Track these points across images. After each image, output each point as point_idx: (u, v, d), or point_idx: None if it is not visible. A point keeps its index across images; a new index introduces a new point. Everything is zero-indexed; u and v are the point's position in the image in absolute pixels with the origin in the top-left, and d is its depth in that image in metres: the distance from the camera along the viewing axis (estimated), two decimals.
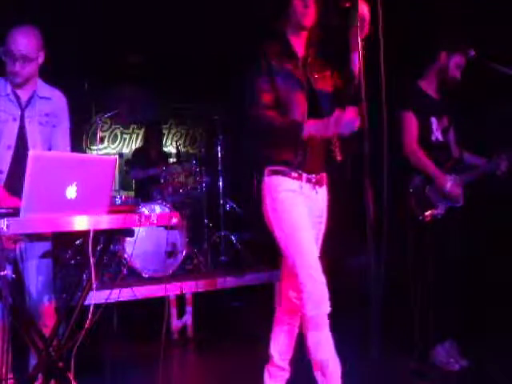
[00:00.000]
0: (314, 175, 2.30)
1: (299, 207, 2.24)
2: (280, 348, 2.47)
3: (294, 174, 2.25)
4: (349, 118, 2.06)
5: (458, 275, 3.07)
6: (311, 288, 2.14)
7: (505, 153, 3.06)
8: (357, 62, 2.06)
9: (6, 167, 2.45)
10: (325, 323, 2.17)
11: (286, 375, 2.49)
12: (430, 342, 3.16)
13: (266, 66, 2.23)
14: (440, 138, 3.10)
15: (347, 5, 2.08)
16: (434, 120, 3.07)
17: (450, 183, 2.96)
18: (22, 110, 2.50)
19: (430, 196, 3.00)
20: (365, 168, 1.92)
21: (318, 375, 2.21)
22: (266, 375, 2.50)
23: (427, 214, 3.00)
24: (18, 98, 2.49)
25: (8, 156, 2.45)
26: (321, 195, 2.36)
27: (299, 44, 2.32)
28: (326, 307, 2.16)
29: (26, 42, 2.40)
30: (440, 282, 3.04)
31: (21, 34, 2.41)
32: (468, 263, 3.21)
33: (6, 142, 2.45)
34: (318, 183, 2.33)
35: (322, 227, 2.40)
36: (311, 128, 2.15)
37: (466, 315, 3.19)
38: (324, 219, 2.40)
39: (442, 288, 3.05)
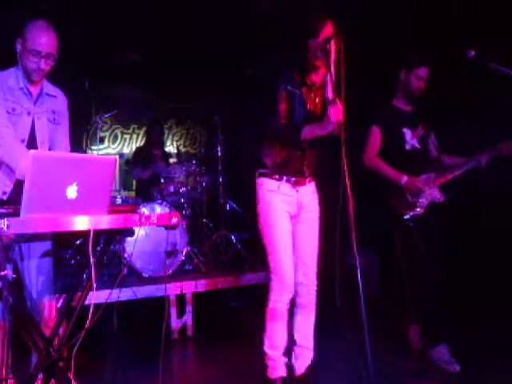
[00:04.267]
0: (293, 178, 2.69)
1: (277, 205, 2.66)
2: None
3: (275, 176, 2.68)
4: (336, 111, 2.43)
5: (437, 274, 3.22)
6: (276, 279, 2.62)
7: (486, 149, 3.27)
8: (330, 91, 2.55)
9: None
10: (282, 314, 2.64)
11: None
12: (429, 342, 3.19)
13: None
14: (417, 145, 3.39)
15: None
16: (406, 131, 3.38)
17: (405, 178, 3.25)
18: (34, 105, 2.50)
19: (407, 196, 3.27)
20: (343, 173, 2.24)
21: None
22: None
23: (410, 213, 3.25)
24: (30, 92, 2.49)
25: None
26: (303, 193, 2.72)
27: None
28: (286, 299, 2.62)
29: (51, 40, 2.41)
30: (426, 281, 3.18)
31: (45, 30, 2.40)
32: (449, 262, 3.45)
33: (20, 136, 2.43)
34: (299, 183, 2.70)
35: (312, 217, 2.77)
36: (308, 130, 2.57)
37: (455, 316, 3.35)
38: (313, 211, 2.77)
39: (428, 288, 3.18)
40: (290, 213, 2.70)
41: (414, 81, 3.34)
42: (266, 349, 2.71)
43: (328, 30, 2.52)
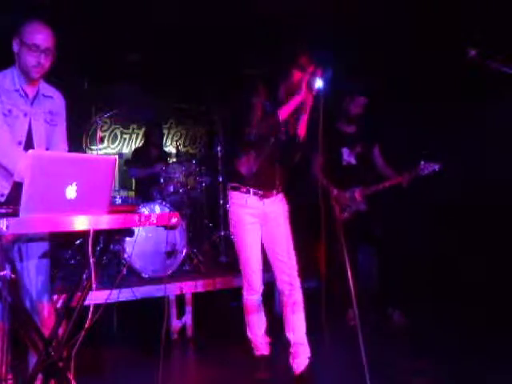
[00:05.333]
0: (261, 191, 2.90)
1: (245, 220, 2.91)
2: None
3: (243, 189, 2.90)
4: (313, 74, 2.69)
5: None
6: (246, 282, 3.01)
7: (409, 169, 3.91)
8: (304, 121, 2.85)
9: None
10: (255, 308, 3.02)
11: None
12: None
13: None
14: (353, 161, 4.13)
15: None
16: (344, 150, 4.11)
17: (336, 191, 4.00)
18: (30, 107, 2.49)
19: (340, 203, 4.02)
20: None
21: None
22: None
23: (342, 216, 4.00)
24: (26, 94, 2.47)
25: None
26: (268, 203, 2.93)
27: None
28: (256, 297, 3.00)
29: (49, 35, 2.41)
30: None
31: (43, 26, 2.41)
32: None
33: (17, 138, 2.42)
34: (265, 196, 2.91)
35: (277, 216, 2.97)
36: (284, 108, 2.76)
37: None
38: (278, 212, 2.97)
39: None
40: (257, 221, 2.94)
41: (353, 108, 4.06)
42: (248, 334, 3.09)
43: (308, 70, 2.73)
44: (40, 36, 2.38)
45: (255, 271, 2.96)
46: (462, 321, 4.00)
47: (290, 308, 2.94)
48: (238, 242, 2.98)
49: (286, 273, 2.94)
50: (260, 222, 2.96)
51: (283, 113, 2.75)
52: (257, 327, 3.07)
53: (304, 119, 2.84)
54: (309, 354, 2.90)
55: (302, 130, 2.86)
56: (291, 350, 2.92)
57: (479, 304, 4.31)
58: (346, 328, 3.83)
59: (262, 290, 3.03)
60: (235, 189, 2.95)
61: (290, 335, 2.93)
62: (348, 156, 4.12)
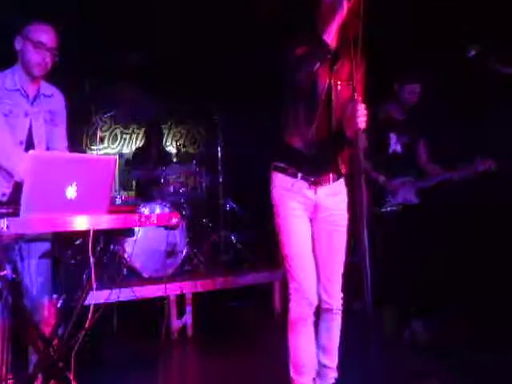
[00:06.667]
0: (312, 176, 2.31)
1: (289, 204, 2.31)
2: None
3: (290, 171, 2.31)
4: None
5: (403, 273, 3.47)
6: (294, 288, 2.31)
7: (465, 164, 3.62)
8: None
9: None
10: (305, 327, 2.31)
11: None
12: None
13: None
14: (399, 150, 3.75)
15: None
16: (392, 136, 3.74)
17: (382, 178, 3.63)
18: (31, 106, 2.49)
19: (383, 193, 3.66)
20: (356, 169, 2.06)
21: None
22: None
23: (386, 209, 3.63)
24: (27, 93, 2.48)
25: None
26: (323, 195, 2.32)
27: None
28: (308, 310, 2.29)
29: (55, 36, 2.44)
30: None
31: (48, 27, 2.45)
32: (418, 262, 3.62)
33: (18, 137, 2.43)
34: (318, 183, 2.31)
35: (337, 230, 2.36)
36: (328, 31, 2.16)
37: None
38: (337, 221, 2.36)
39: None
40: (306, 215, 2.34)
41: (405, 94, 3.69)
42: (292, 374, 2.35)
43: None
44: (45, 35, 2.42)
45: (307, 272, 2.29)
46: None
47: (323, 323, 2.40)
48: (283, 233, 2.32)
49: (328, 291, 2.35)
50: (310, 216, 2.34)
51: (328, 34, 2.16)
52: (306, 357, 2.34)
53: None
54: (335, 378, 2.43)
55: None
56: (317, 368, 2.42)
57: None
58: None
59: (316, 303, 2.31)
60: (280, 170, 2.33)
61: (320, 355, 2.40)
62: (395, 143, 3.76)
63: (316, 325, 2.38)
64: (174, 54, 5.93)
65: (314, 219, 2.35)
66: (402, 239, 3.49)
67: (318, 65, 2.18)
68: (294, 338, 2.33)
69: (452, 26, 4.54)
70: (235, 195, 5.65)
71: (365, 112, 2.09)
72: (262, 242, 5.52)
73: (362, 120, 2.07)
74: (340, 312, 2.37)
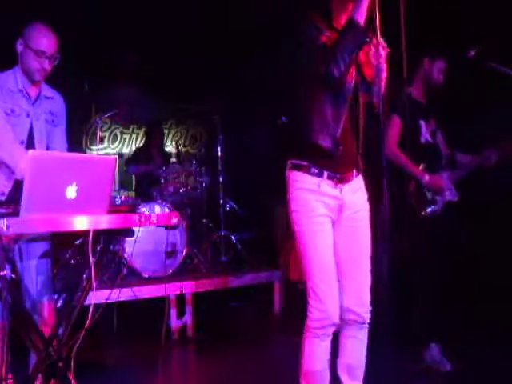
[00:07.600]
0: (338, 173, 2.11)
1: (314, 206, 2.08)
2: None
3: (314, 170, 2.08)
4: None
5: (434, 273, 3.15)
6: (314, 303, 2.07)
7: (495, 146, 3.21)
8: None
9: None
10: (320, 345, 2.09)
11: None
12: (423, 341, 3.15)
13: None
14: (429, 139, 3.28)
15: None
16: (422, 123, 3.25)
17: (427, 177, 3.12)
18: (32, 107, 2.51)
19: (427, 194, 3.16)
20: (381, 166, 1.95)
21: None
22: None
23: (428, 210, 3.15)
24: (29, 94, 2.50)
25: None
26: (348, 193, 2.13)
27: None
28: (328, 331, 2.07)
29: (54, 41, 2.44)
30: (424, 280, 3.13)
31: (48, 31, 2.44)
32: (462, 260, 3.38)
33: (19, 137, 2.44)
34: (343, 180, 2.12)
35: (361, 228, 2.18)
36: (358, 11, 1.96)
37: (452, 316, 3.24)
38: (361, 218, 2.17)
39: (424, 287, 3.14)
40: (331, 218, 2.12)
41: (435, 72, 3.23)
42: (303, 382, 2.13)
43: None
44: (45, 42, 2.41)
45: (332, 289, 2.06)
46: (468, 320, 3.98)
47: (346, 339, 2.17)
48: (305, 246, 2.08)
49: (352, 299, 2.11)
50: (333, 219, 2.12)
51: (359, 15, 1.95)
52: (321, 362, 2.11)
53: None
54: None
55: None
56: None
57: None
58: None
59: (338, 322, 2.07)
60: (301, 168, 2.09)
61: (341, 374, 2.16)
62: (425, 132, 3.27)
63: (335, 338, 2.15)
64: (173, 54, 5.93)
65: (337, 221, 2.13)
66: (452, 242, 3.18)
67: (355, 52, 1.96)
68: (309, 366, 2.11)
69: (452, 26, 4.54)
70: (235, 195, 5.65)
71: (385, 45, 1.94)
72: (262, 242, 5.53)
73: (382, 55, 1.92)
74: (368, 326, 2.16)
